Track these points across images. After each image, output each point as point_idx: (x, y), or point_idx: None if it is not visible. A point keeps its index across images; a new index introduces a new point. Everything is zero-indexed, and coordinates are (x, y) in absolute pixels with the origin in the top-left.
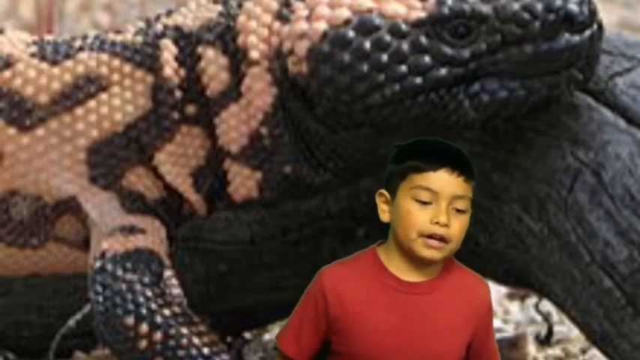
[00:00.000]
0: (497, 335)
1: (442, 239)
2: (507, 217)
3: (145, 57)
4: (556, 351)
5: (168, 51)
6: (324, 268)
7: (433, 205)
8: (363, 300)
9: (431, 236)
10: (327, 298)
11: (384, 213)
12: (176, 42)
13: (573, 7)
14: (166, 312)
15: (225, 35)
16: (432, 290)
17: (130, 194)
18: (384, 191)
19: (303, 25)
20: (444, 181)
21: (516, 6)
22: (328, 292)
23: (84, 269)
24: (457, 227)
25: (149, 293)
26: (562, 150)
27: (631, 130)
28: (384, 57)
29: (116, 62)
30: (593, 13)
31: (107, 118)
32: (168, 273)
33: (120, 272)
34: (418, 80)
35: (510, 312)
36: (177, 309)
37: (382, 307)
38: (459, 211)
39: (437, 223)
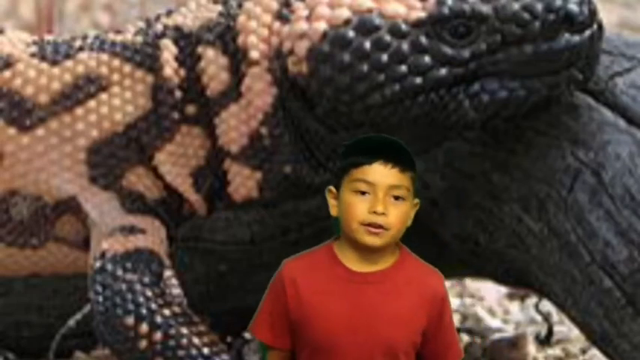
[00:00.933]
0: (497, 335)
1: (381, 227)
2: (507, 217)
3: (145, 57)
4: (556, 351)
5: (168, 51)
6: (285, 261)
7: (371, 196)
8: (318, 290)
9: (370, 224)
10: (285, 288)
11: (333, 207)
12: (176, 42)
13: (573, 7)
14: (166, 312)
15: (225, 35)
16: (384, 280)
17: (130, 194)
18: (332, 188)
19: (303, 25)
20: (379, 173)
21: (516, 6)
22: (287, 283)
23: (84, 269)
24: (395, 215)
25: (149, 293)
26: (562, 150)
27: (631, 130)
28: (384, 57)
29: (116, 62)
30: (593, 13)
31: (107, 118)
32: (168, 273)
33: (120, 272)
34: (418, 80)
35: (510, 312)
36: (177, 309)
37: (335, 296)
38: (397, 198)
39: (374, 212)
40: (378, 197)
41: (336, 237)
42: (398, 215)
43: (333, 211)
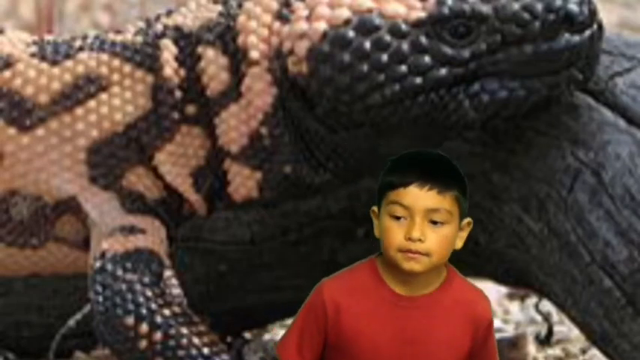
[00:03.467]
0: (497, 335)
1: (418, 253)
2: (507, 217)
3: (145, 57)
4: (556, 351)
5: (168, 51)
6: (325, 281)
7: (407, 220)
8: (362, 313)
9: (408, 251)
10: (326, 310)
11: (377, 228)
12: (176, 42)
13: (573, 7)
14: (166, 312)
15: (225, 35)
16: (431, 304)
17: (130, 194)
18: (374, 208)
19: (303, 25)
20: (415, 196)
21: (516, 6)
22: (328, 305)
23: (84, 269)
24: (434, 240)
25: (149, 293)
26: (562, 150)
27: (631, 130)
28: (384, 57)
29: (116, 62)
30: (593, 13)
31: (107, 118)
32: (168, 273)
33: (120, 272)
34: (418, 80)
35: (510, 312)
36: (177, 309)
37: (380, 320)
38: (435, 223)
39: (409, 239)
40: (414, 222)
41: (379, 254)
42: (437, 240)
43: (377, 233)
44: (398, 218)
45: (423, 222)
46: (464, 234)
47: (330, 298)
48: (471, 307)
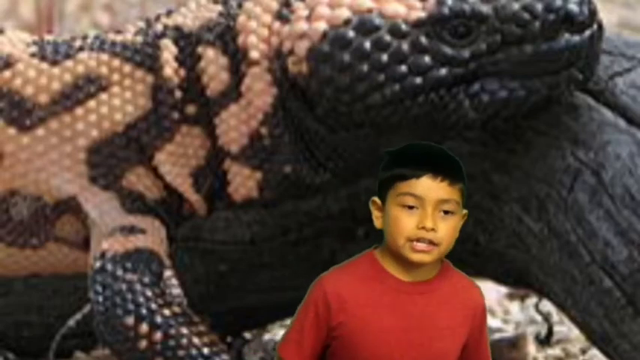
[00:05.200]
0: (497, 335)
1: (430, 242)
2: (507, 217)
3: (145, 57)
4: (556, 351)
5: (168, 51)
6: (323, 275)
7: (419, 210)
8: (366, 302)
9: (419, 240)
10: (330, 304)
11: (378, 219)
12: (176, 42)
13: (573, 7)
14: (166, 312)
15: (225, 35)
16: (432, 290)
17: (130, 194)
18: (376, 199)
19: (303, 25)
20: (428, 187)
21: (516, 6)
22: (331, 298)
23: (84, 269)
24: (445, 230)
25: (149, 293)
26: (562, 150)
27: (631, 130)
28: (384, 57)
29: (116, 62)
30: (593, 13)
31: (107, 118)
32: (168, 273)
33: (120, 272)
34: (418, 80)
35: (510, 312)
36: (177, 309)
37: (385, 307)
38: (447, 212)
39: (423, 227)
40: (427, 212)
41: (376, 246)
42: (447, 230)
43: (378, 223)
44: (410, 208)
45: (434, 212)
46: (460, 225)
47: (332, 291)
48: (468, 294)
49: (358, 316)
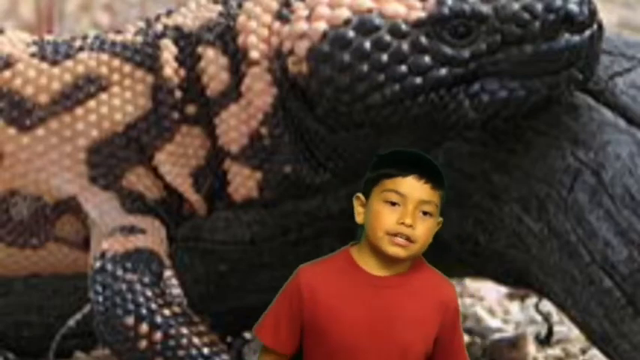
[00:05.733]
0: (497, 335)
1: (407, 239)
2: (507, 217)
3: (145, 57)
4: (556, 351)
5: (168, 51)
6: (301, 266)
7: (401, 208)
8: (336, 294)
9: (396, 235)
10: (302, 293)
11: (359, 215)
12: (176, 42)
13: (573, 7)
14: (166, 312)
15: (225, 35)
16: (400, 284)
17: (130, 194)
18: (360, 195)
19: (303, 25)
20: (412, 186)
21: (516, 6)
22: (303, 288)
23: (84, 269)
24: (422, 229)
25: (149, 293)
26: (562, 150)
27: (631, 130)
28: (384, 57)
29: (116, 62)
30: (593, 13)
31: (107, 118)
32: (168, 273)
33: (120, 272)
34: (418, 80)
35: (510, 312)
36: (177, 309)
37: (353, 299)
38: (425, 214)
39: (402, 223)
40: (407, 209)
41: (353, 243)
42: (424, 230)
43: (359, 219)
44: (392, 204)
45: (414, 211)
46: (435, 231)
47: (305, 282)
48: (438, 290)
49: (328, 306)
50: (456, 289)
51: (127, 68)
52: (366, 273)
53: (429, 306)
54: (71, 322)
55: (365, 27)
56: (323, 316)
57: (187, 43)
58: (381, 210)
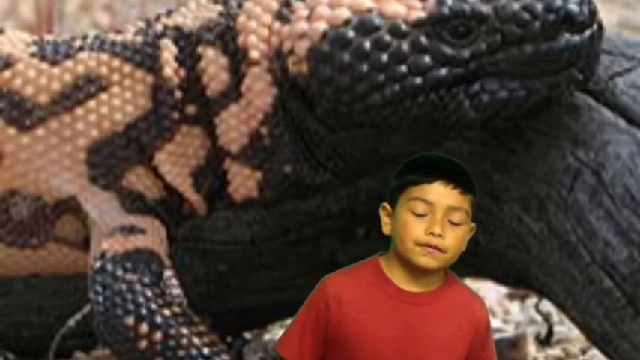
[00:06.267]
0: (497, 335)
1: (437, 249)
2: (507, 217)
3: (145, 57)
4: (556, 351)
5: (168, 51)
6: (328, 276)
7: (429, 217)
8: (365, 308)
9: (427, 245)
10: (329, 305)
11: (387, 225)
12: (176, 42)
13: (573, 7)
14: (166, 312)
15: (225, 35)
16: (432, 301)
17: (130, 194)
18: (386, 205)
19: (303, 25)
20: (439, 193)
21: (516, 6)
22: (331, 300)
23: (84, 269)
24: (452, 238)
25: (149, 293)
26: (562, 150)
27: (631, 130)
28: (384, 57)
29: (116, 62)
30: (593, 13)
31: (107, 118)
32: (168, 273)
33: (120, 272)
34: (418, 80)
35: (510, 312)
36: (177, 309)
37: (383, 315)
38: (454, 224)
39: (431, 233)
40: (436, 218)
41: (381, 253)
42: (455, 239)
43: (386, 229)
44: (420, 216)
45: (443, 219)
46: (468, 238)
47: (333, 293)
48: (470, 309)
49: (356, 321)
50: (486, 306)
51: (127, 68)
52: (395, 287)
53: (460, 326)
54: (71, 322)
55: (365, 27)
56: (350, 331)
57: (187, 43)
58: (408, 220)
